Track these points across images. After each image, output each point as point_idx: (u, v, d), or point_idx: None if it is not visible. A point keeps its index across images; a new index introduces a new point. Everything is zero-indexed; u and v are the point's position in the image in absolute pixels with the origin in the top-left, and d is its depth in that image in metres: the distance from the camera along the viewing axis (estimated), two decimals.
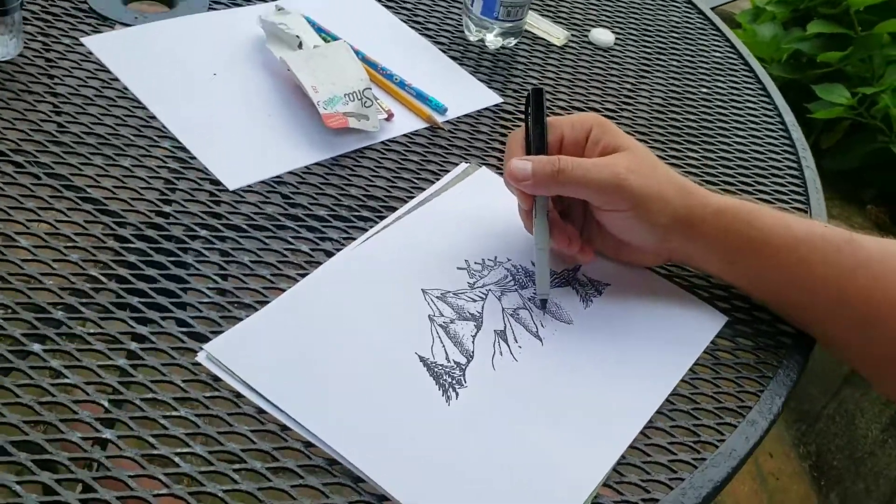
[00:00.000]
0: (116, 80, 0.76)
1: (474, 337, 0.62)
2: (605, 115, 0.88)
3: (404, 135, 0.79)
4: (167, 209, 0.66)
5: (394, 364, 0.59)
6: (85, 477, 0.49)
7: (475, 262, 0.68)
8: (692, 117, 0.91)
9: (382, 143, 0.77)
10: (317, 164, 0.73)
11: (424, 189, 0.73)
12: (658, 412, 0.60)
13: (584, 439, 0.57)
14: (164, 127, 0.73)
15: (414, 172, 0.75)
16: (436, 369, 0.60)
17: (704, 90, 0.96)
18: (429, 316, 0.63)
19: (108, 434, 0.51)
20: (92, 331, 0.56)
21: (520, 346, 0.62)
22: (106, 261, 0.61)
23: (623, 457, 0.57)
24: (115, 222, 0.64)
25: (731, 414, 0.61)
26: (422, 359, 0.60)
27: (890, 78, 1.68)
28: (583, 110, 0.88)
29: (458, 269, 0.67)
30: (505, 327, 0.64)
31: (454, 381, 0.59)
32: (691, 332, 0.66)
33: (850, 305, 0.63)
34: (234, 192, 0.69)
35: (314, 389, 0.56)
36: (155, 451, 0.51)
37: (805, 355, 0.67)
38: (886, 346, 0.62)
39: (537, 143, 0.65)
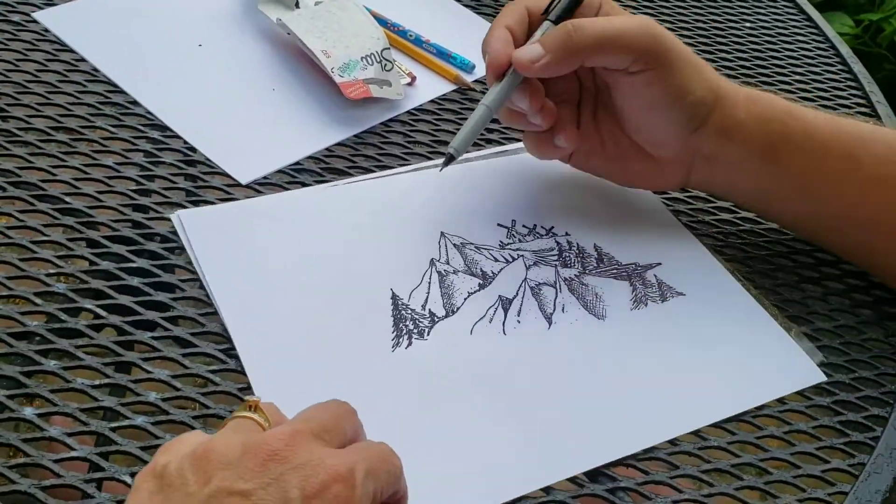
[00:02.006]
0: (83, 60, 0.63)
1: (471, 294, 0.52)
2: None
3: (431, 100, 0.67)
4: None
5: (360, 290, 0.50)
6: None
7: (523, 225, 0.57)
8: (743, 55, 0.80)
9: (409, 112, 0.65)
10: (339, 144, 0.61)
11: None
12: (798, 411, 0.50)
13: (523, 450, 0.45)
14: (150, 113, 0.60)
15: None
16: (402, 311, 0.50)
17: (749, 25, 0.85)
18: (432, 259, 0.53)
19: None
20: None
21: (519, 321, 0.51)
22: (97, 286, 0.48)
23: (769, 471, 0.47)
24: (104, 237, 0.51)
25: (876, 403, 0.52)
26: (394, 296, 0.50)
27: (893, 2, 1.58)
28: None
29: (499, 225, 0.56)
30: (515, 297, 0.52)
31: (415, 330, 0.49)
32: (763, 376, 0.51)
33: None
34: (247, 186, 0.56)
35: (263, 294, 0.50)
36: None
37: None
38: None
39: (563, 14, 0.52)
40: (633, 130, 0.54)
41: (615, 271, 0.55)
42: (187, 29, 0.67)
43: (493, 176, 0.60)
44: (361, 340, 0.48)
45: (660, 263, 0.56)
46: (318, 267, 0.52)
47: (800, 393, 0.51)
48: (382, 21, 0.72)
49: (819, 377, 0.51)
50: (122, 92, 0.61)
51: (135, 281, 0.49)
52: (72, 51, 0.63)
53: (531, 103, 0.52)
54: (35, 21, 0.65)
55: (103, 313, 0.47)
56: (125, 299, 0.48)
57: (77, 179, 0.54)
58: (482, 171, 0.60)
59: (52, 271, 0.49)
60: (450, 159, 0.52)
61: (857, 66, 0.83)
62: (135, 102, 0.60)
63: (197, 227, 0.52)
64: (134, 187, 0.55)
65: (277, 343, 0.48)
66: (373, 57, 0.64)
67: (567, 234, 0.57)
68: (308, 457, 0.32)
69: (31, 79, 0.60)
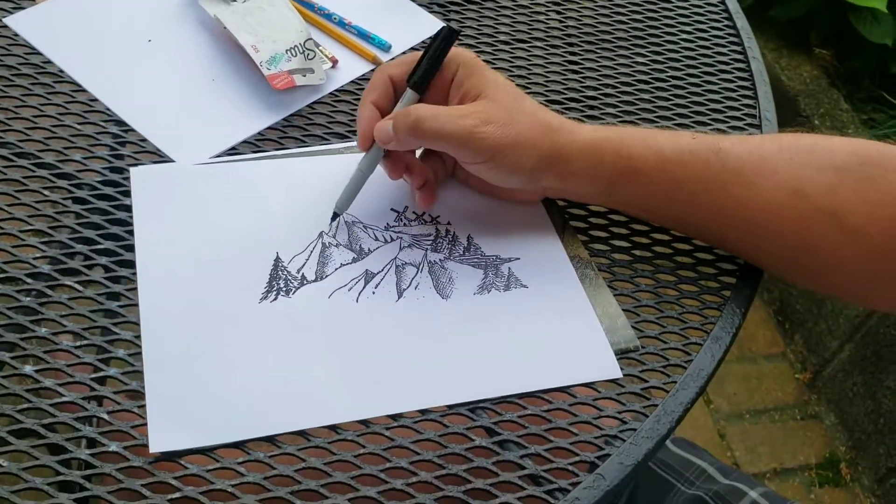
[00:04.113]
0: (50, 62, 0.74)
1: (342, 266, 0.63)
2: (552, 28, 0.87)
3: (352, 81, 0.78)
4: (128, 201, 0.66)
5: (252, 252, 0.62)
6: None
7: (413, 212, 0.67)
8: (638, 17, 0.91)
9: (331, 94, 0.77)
10: (269, 128, 0.73)
11: None
12: (626, 348, 0.63)
13: (345, 389, 0.56)
14: (109, 109, 0.71)
15: None
16: (280, 271, 0.62)
17: None
18: (321, 232, 0.64)
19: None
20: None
21: (374, 293, 0.62)
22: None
23: (598, 390, 0.61)
24: (70, 237, 0.64)
25: (696, 333, 0.65)
26: (277, 258, 0.62)
27: None
28: (530, 22, 0.87)
29: (392, 210, 0.67)
30: (379, 273, 0.63)
31: (284, 289, 0.61)
32: (565, 365, 0.60)
33: (731, 217, 0.64)
34: None
35: (176, 242, 0.62)
36: None
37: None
38: (777, 251, 0.64)
39: (419, 80, 0.63)
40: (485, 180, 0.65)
41: (476, 260, 0.64)
42: (139, 26, 0.78)
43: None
44: (237, 291, 0.60)
45: (518, 258, 0.65)
46: (226, 229, 0.64)
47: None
48: (309, 4, 0.82)
49: (616, 373, 0.61)
50: (83, 90, 0.72)
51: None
52: (40, 53, 0.74)
53: (391, 172, 0.65)
54: (6, 26, 0.76)
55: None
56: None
57: (54, 175, 0.67)
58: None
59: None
60: (335, 216, 0.64)
61: (742, 21, 0.93)
62: (95, 100, 0.72)
63: (140, 182, 0.65)
64: (99, 178, 0.67)
65: (174, 284, 0.60)
66: (296, 48, 0.75)
67: (449, 223, 0.67)
68: None
69: (8, 83, 0.72)
